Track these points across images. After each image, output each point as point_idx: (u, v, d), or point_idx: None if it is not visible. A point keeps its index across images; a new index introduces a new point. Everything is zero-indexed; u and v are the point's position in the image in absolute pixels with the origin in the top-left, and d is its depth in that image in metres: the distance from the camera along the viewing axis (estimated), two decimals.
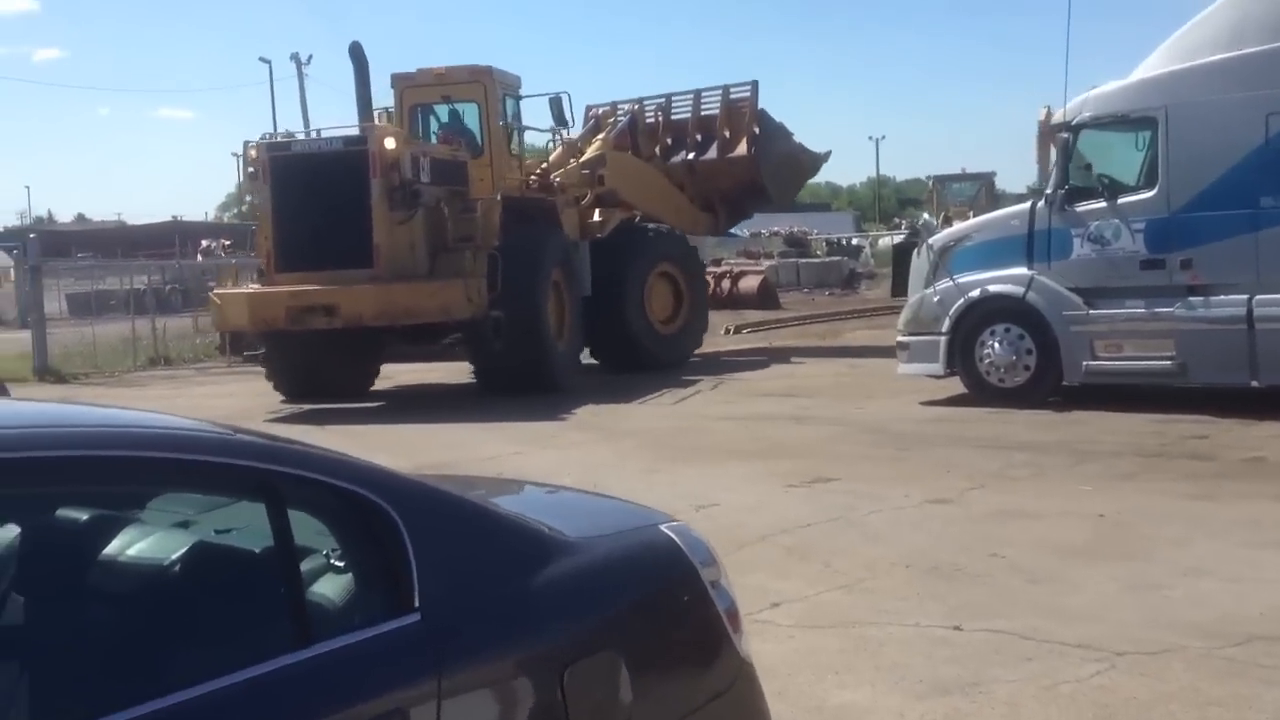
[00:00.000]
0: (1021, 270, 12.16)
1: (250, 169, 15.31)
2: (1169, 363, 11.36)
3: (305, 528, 2.38)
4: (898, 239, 34.71)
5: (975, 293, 12.36)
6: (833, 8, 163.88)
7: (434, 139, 16.94)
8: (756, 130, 19.77)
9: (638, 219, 19.41)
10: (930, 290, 12.73)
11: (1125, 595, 5.88)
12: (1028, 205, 12.39)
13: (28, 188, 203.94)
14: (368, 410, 14.87)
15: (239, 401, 16.09)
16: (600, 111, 20.60)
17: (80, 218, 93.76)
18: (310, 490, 2.35)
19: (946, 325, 12.51)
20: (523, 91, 17.97)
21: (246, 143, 15.46)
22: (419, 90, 17.22)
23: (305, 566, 2.36)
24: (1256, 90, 10.95)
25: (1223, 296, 11.11)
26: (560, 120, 17.77)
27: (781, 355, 19.34)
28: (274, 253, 15.05)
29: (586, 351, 18.00)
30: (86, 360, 22.42)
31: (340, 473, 2.40)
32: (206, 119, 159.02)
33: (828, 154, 21.68)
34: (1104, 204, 11.75)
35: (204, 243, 39.29)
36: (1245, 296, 10.96)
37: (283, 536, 2.27)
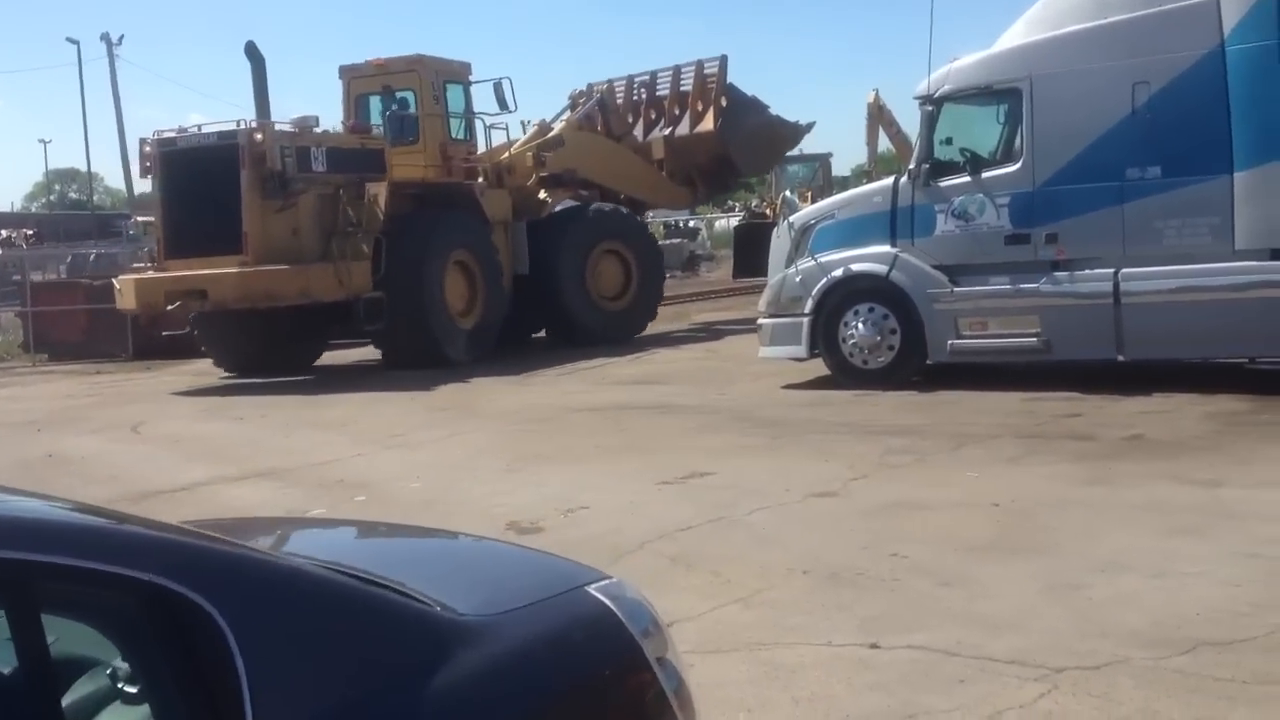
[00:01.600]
0: (885, 248, 11.77)
1: (146, 163, 16.21)
2: (1034, 339, 11.10)
3: (76, 638, 1.56)
4: (735, 221, 34.58)
5: (838, 272, 11.92)
6: None
7: (382, 128, 17.52)
8: (724, 103, 20.14)
9: (588, 198, 19.81)
10: (792, 270, 12.24)
11: (1046, 598, 5.38)
12: (890, 181, 12.01)
13: None
14: (216, 402, 13.66)
15: (36, 404, 14.72)
16: (575, 92, 21.01)
17: None
18: (78, 583, 1.53)
19: (809, 306, 12.05)
20: (473, 78, 18.49)
21: (142, 139, 16.44)
22: (363, 81, 18.15)
23: (73, 697, 1.54)
24: (1122, 60, 10.73)
25: (1088, 271, 10.90)
26: (501, 104, 18.01)
27: (631, 342, 18.75)
28: (162, 240, 16.24)
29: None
30: None
31: (124, 553, 1.58)
32: (16, 105, 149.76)
33: (810, 125, 22.22)
34: (967, 179, 11.42)
35: (1, 233, 36.58)
36: (1111, 270, 10.76)
37: (32, 654, 1.46)
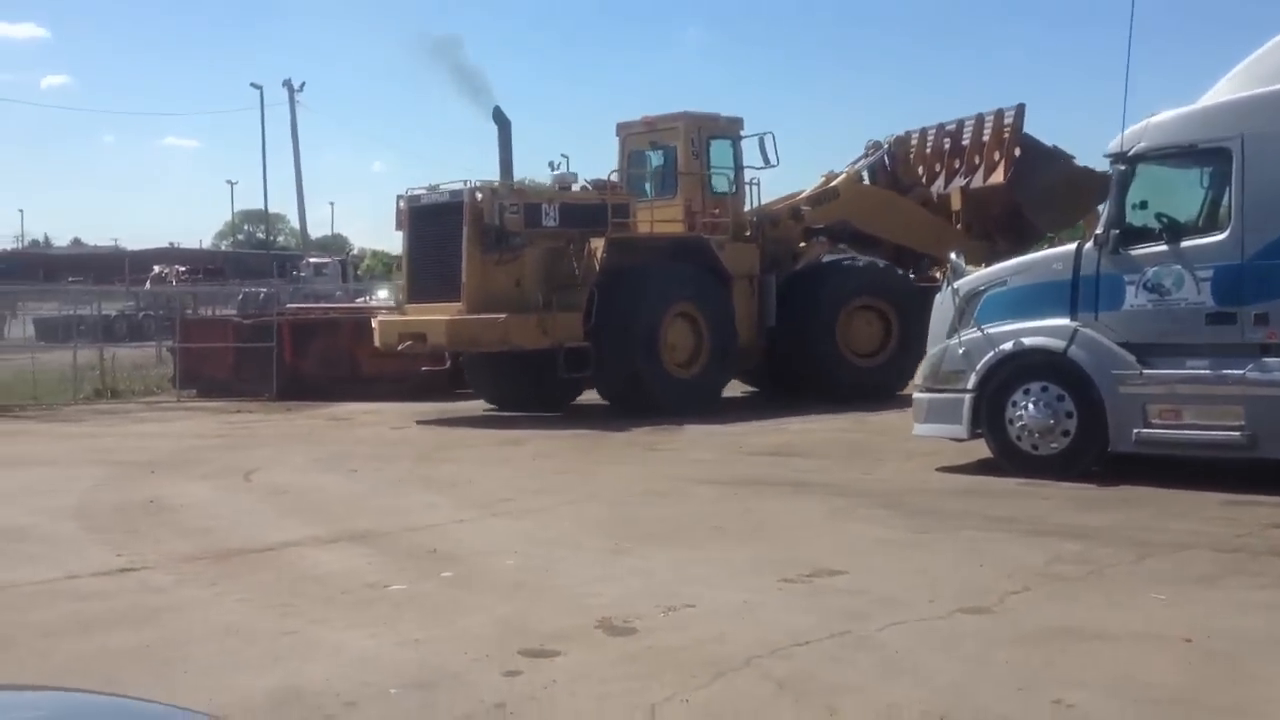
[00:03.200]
0: (1064, 321, 10.43)
1: (400, 217, 17.68)
2: (1237, 433, 9.60)
3: None
4: None
5: (1008, 345, 10.63)
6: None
7: (647, 183, 18.87)
8: (1017, 154, 19.39)
9: (850, 252, 19.41)
10: (954, 340, 10.99)
11: None
12: (1073, 247, 10.68)
13: (21, 211, 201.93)
14: (337, 451, 13.09)
15: (163, 443, 14.42)
16: (871, 143, 20.69)
17: (76, 242, 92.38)
18: None
19: (973, 381, 10.78)
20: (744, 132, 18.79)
21: (398, 196, 17.90)
22: (635, 137, 19.11)
23: None
24: None
25: None
26: (765, 160, 18.34)
27: (766, 405, 17.62)
28: (406, 287, 18.07)
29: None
30: (27, 391, 20.69)
31: None
32: (209, 148, 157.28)
33: None
34: (1164, 247, 10.03)
35: (155, 269, 37.62)
36: None
37: None
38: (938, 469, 11.16)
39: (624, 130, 19.20)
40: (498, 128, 17.96)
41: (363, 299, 47.13)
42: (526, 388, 17.62)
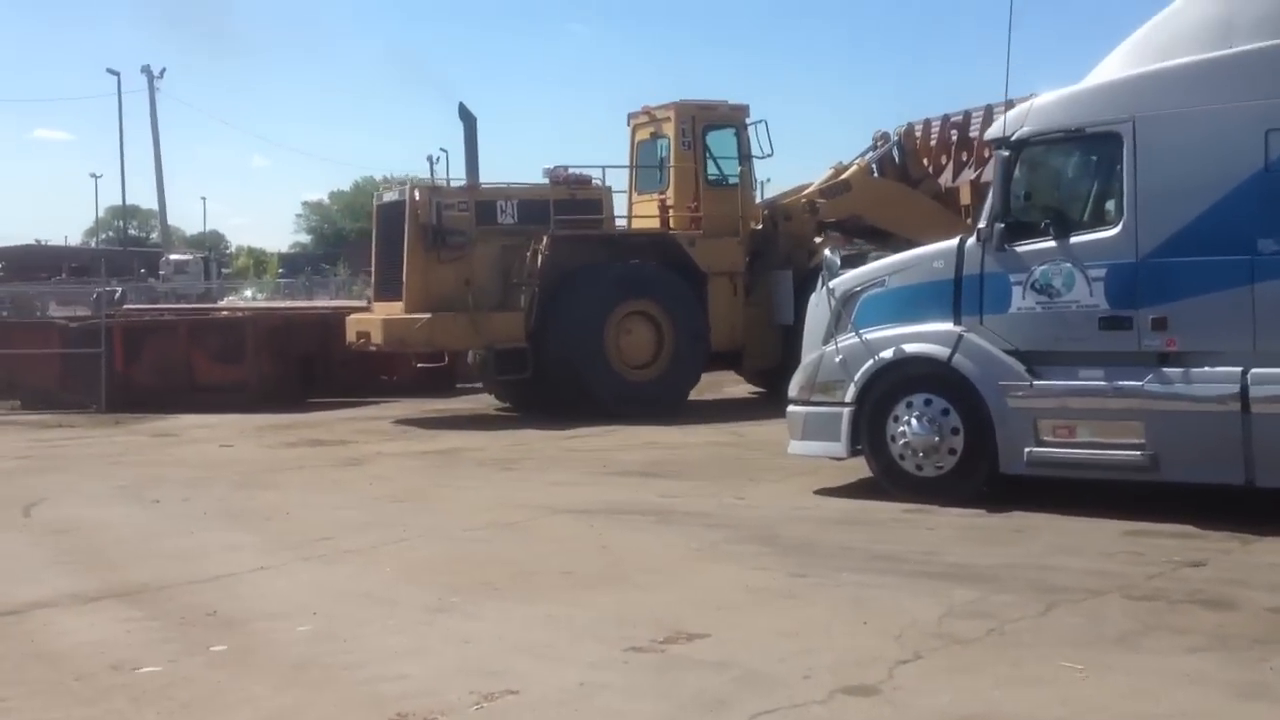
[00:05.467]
0: (947, 326, 9.46)
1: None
2: (1137, 453, 8.68)
3: None
4: None
5: (888, 353, 9.62)
6: None
7: (660, 173, 18.28)
8: None
9: (866, 247, 18.28)
10: (831, 347, 9.96)
11: None
12: (954, 243, 9.69)
13: None
14: (145, 475, 11.49)
15: None
16: (879, 133, 19.53)
17: None
18: None
19: (851, 393, 9.75)
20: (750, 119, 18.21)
21: (375, 194, 18.64)
22: (641, 127, 18.76)
23: None
24: (1253, 100, 8.40)
25: (1208, 369, 8.52)
26: (759, 149, 18.00)
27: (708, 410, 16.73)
28: (373, 284, 18.13)
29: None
30: None
31: None
32: (81, 140, 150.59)
33: None
34: (1052, 243, 9.09)
35: None
36: (1238, 369, 8.36)
37: None
38: (816, 491, 10.13)
39: (632, 121, 18.90)
40: (463, 124, 17.31)
41: (228, 298, 44.92)
42: (536, 388, 16.83)
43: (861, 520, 8.97)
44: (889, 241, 18.45)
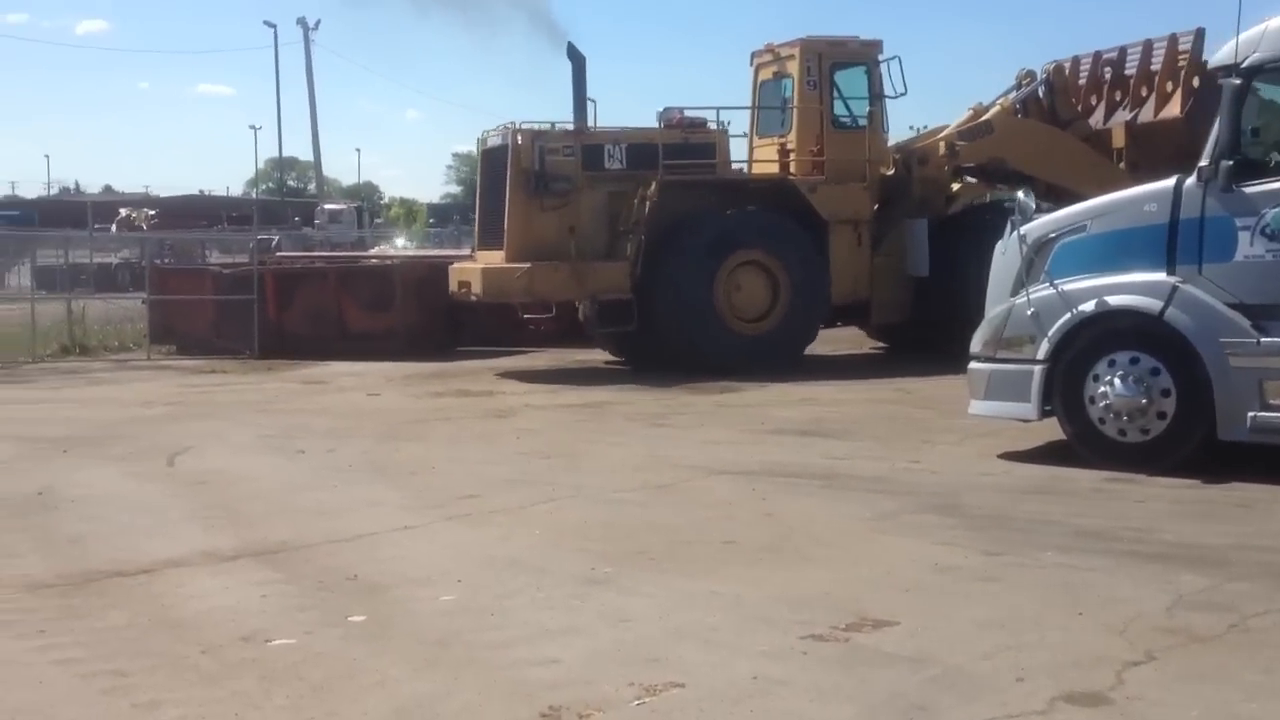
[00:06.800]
0: (1159, 276, 8.42)
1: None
2: None
3: None
4: None
5: (1089, 305, 8.62)
6: None
7: (783, 115, 17.21)
8: (1196, 84, 16.30)
9: (1008, 193, 16.75)
10: (1021, 299, 8.99)
11: None
12: (1170, 183, 8.61)
13: (47, 157, 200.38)
14: (293, 423, 11.23)
15: (98, 413, 12.65)
16: (1023, 72, 18.12)
17: (108, 189, 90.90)
18: None
19: (1044, 350, 8.79)
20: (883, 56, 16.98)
21: (478, 140, 17.19)
22: (764, 66, 17.73)
23: None
24: None
25: None
26: (890, 88, 16.83)
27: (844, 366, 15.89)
28: (476, 232, 17.53)
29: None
30: None
31: None
32: (242, 94, 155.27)
33: None
34: None
35: (121, 212, 35.64)
36: None
37: None
38: (999, 455, 9.23)
39: (755, 60, 17.83)
40: (572, 64, 16.34)
41: (379, 247, 45.32)
42: (641, 337, 16.05)
43: (1057, 490, 8.05)
44: (1033, 188, 17.22)
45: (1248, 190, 8.15)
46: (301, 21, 66.58)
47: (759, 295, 15.77)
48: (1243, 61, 8.15)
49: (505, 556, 6.59)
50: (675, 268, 15.32)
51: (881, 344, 18.38)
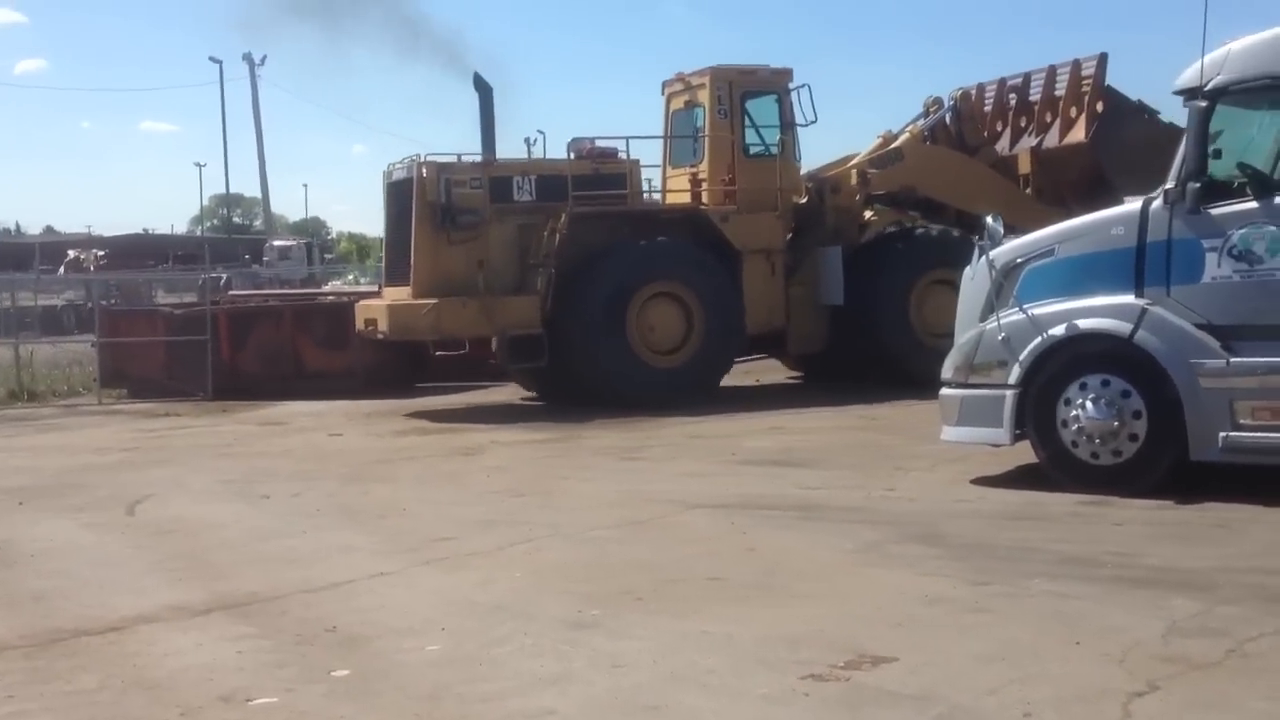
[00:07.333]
0: (1128, 299, 8.46)
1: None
2: None
3: None
4: None
5: (1059, 329, 8.65)
6: None
7: (695, 144, 17.10)
8: (1099, 109, 16.70)
9: (920, 221, 17.51)
10: (991, 324, 9.01)
11: None
12: (1137, 206, 8.67)
13: None
14: (256, 468, 10.99)
15: (52, 460, 12.33)
16: (930, 99, 18.39)
17: (49, 229, 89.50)
18: None
19: (1015, 375, 8.80)
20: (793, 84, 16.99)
21: (385, 172, 16.71)
22: (676, 96, 17.57)
23: None
24: None
25: None
26: (800, 116, 16.94)
27: (762, 397, 15.73)
28: (384, 268, 17.18)
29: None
30: None
31: None
32: (186, 130, 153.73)
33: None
34: (1254, 204, 8.08)
35: (70, 253, 35.17)
36: None
37: None
38: (972, 481, 9.22)
39: (666, 89, 17.72)
40: (479, 95, 16.12)
41: (332, 283, 44.89)
42: (554, 372, 15.75)
43: (1034, 515, 8.04)
44: (939, 215, 17.42)
45: (1214, 212, 8.21)
46: (247, 57, 66.26)
47: (673, 327, 15.54)
48: (1207, 84, 8.23)
49: (488, 602, 6.45)
50: (587, 301, 15.10)
51: (798, 374, 18.28)
